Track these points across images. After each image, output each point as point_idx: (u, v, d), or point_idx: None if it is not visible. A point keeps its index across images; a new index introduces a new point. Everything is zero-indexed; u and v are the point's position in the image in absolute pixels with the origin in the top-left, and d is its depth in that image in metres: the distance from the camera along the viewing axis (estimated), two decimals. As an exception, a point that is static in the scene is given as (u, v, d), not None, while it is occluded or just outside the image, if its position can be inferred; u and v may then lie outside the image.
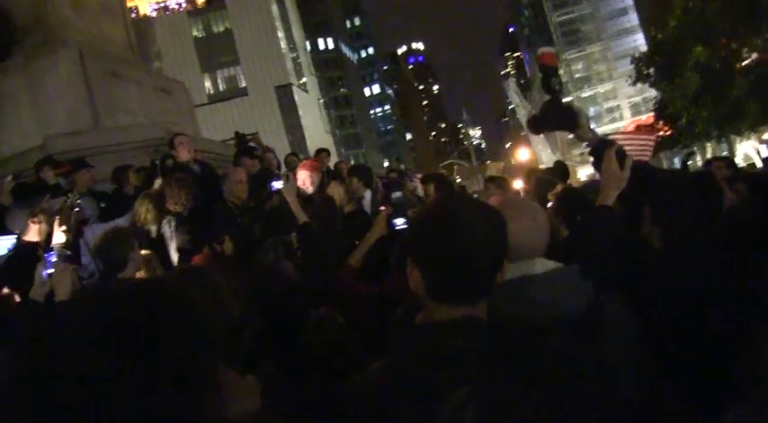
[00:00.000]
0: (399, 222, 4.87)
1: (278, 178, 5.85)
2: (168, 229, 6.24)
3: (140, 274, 5.01)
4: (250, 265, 5.65)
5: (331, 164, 11.81)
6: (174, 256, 6.16)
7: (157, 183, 7.16)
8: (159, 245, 6.21)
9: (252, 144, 9.94)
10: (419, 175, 13.65)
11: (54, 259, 3.95)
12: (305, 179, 7.39)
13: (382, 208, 5.23)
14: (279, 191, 5.89)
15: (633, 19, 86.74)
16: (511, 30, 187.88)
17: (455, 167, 74.43)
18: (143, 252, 5.12)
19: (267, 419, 1.71)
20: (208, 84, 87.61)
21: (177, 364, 1.26)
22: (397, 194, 5.08)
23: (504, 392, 1.65)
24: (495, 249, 1.85)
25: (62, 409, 1.16)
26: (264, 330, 3.64)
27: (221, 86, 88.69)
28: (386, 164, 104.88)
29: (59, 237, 5.46)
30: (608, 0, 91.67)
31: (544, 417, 1.65)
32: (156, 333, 1.26)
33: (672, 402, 2.59)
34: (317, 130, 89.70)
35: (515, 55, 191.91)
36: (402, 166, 19.68)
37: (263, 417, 1.65)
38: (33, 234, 5.68)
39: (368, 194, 7.70)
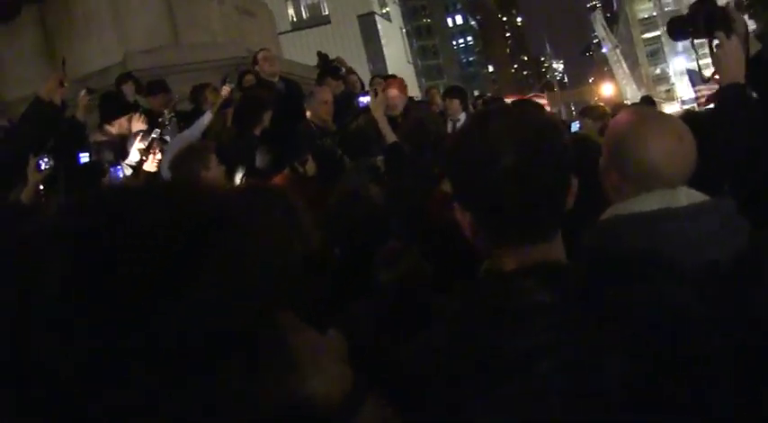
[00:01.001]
0: None
1: (365, 93, 5.32)
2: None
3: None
4: (333, 189, 5.30)
5: (411, 94, 11.31)
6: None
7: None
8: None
9: (336, 65, 9.48)
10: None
11: (121, 175, 3.60)
12: (395, 97, 6.89)
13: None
14: (366, 107, 5.36)
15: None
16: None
17: (545, 94, 72.67)
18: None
19: (364, 401, 1.08)
20: (291, 11, 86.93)
21: (216, 317, 0.75)
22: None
23: (599, 365, 1.17)
24: (553, 163, 1.38)
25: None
26: (344, 266, 3.25)
27: (304, 14, 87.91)
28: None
29: (134, 154, 5.21)
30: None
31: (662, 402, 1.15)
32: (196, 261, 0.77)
33: None
34: (398, 60, 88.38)
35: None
36: (488, 94, 19.03)
37: (357, 396, 1.08)
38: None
39: (463, 117, 7.20)
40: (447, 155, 1.50)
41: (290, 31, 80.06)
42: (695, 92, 21.15)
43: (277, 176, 5.27)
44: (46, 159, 4.34)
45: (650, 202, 1.84)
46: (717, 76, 2.71)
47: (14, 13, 10.94)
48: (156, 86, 7.92)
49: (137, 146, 5.29)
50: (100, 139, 6.33)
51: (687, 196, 1.88)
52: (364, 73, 64.44)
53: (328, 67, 8.75)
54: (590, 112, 7.33)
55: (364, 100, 5.35)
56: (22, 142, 4.46)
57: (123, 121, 6.51)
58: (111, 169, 3.56)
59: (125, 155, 5.26)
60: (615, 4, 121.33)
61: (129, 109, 6.65)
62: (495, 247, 1.43)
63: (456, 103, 7.38)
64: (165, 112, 6.09)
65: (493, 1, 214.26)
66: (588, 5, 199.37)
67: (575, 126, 6.83)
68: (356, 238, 3.46)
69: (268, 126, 6.01)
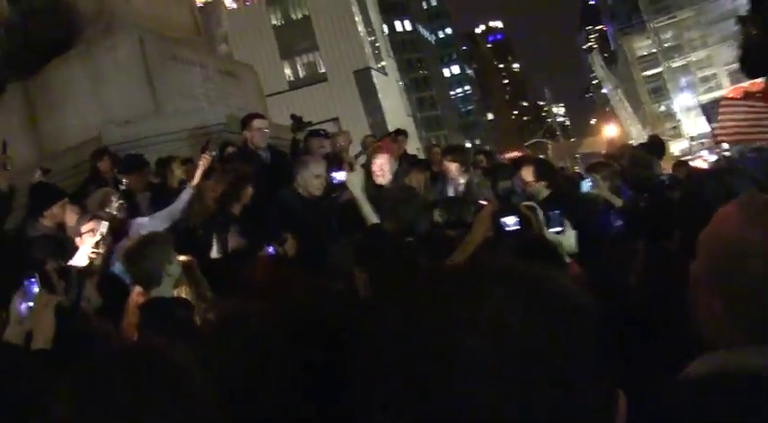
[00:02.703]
0: (510, 222, 3.75)
1: (339, 167, 4.67)
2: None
3: (179, 291, 4.15)
4: (317, 272, 4.75)
5: (411, 147, 10.79)
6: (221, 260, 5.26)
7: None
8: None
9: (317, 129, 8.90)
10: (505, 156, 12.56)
11: (36, 290, 3.03)
12: (382, 165, 6.37)
13: (484, 202, 4.15)
14: (341, 185, 4.71)
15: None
16: (591, 2, 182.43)
17: (549, 146, 72.37)
18: (182, 258, 4.23)
19: None
20: (288, 71, 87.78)
21: None
22: (506, 184, 4.01)
23: None
24: None
25: None
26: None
27: (301, 73, 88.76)
28: (468, 145, 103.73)
29: (81, 258, 4.67)
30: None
31: None
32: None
33: None
34: (397, 113, 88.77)
35: (597, 28, 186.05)
36: (487, 147, 18.55)
37: None
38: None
39: (463, 180, 6.68)
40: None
41: (288, 90, 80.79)
42: (712, 129, 20.95)
43: (254, 259, 4.73)
44: None
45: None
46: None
47: (1, 91, 10.82)
48: (132, 164, 7.45)
49: (85, 248, 4.76)
50: (32, 235, 5.57)
51: None
52: (363, 128, 65.21)
53: (301, 128, 8.23)
54: (600, 169, 6.86)
55: (339, 176, 4.68)
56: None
57: (55, 210, 5.80)
58: (25, 282, 2.97)
59: (62, 251, 4.72)
60: (612, 44, 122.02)
61: (58, 197, 5.96)
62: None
63: (455, 166, 6.90)
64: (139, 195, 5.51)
65: (488, 49, 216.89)
66: (585, 47, 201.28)
67: (586, 185, 6.28)
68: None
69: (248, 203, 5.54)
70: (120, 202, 5.55)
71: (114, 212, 5.39)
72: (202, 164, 6.17)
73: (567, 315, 0.85)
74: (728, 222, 1.47)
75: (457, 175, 7.11)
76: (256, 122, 7.54)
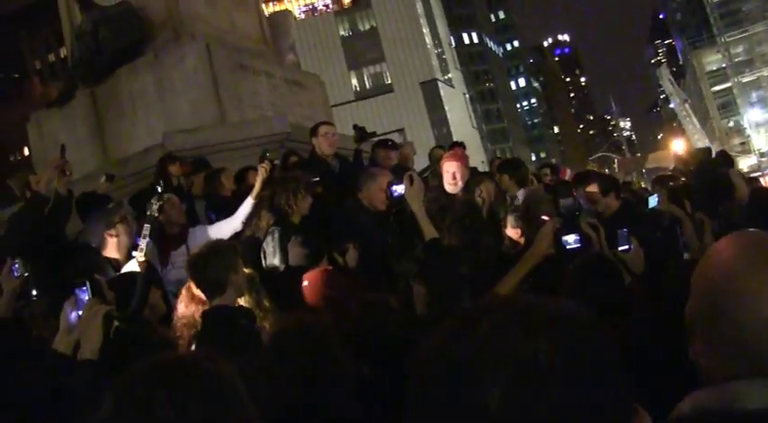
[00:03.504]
0: (571, 240, 3.63)
1: (399, 181, 4.40)
2: (271, 241, 5.18)
3: (243, 301, 4.03)
4: (377, 285, 4.58)
5: (476, 160, 10.55)
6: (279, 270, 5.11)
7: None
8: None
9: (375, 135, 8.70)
10: (568, 170, 12.15)
11: (86, 297, 2.91)
12: (455, 172, 6.07)
13: (545, 217, 3.94)
14: (401, 198, 4.43)
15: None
16: (661, 16, 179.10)
17: (615, 160, 70.93)
18: (247, 270, 4.12)
19: None
20: (354, 81, 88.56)
21: None
22: (568, 202, 3.80)
23: None
24: None
25: None
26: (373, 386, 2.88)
27: (367, 84, 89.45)
28: (533, 158, 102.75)
29: (132, 264, 4.60)
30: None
31: None
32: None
33: None
34: (463, 125, 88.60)
35: (666, 42, 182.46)
36: (553, 161, 18.12)
37: None
38: (112, 249, 4.84)
39: (521, 194, 6.41)
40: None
41: (354, 100, 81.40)
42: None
43: (313, 271, 4.56)
44: (17, 265, 3.74)
45: (757, 394, 1.27)
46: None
47: (70, 98, 11.14)
48: (199, 164, 7.56)
49: (138, 256, 4.70)
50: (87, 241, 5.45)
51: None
52: (429, 139, 65.45)
53: (364, 138, 8.06)
54: (667, 182, 6.54)
55: (398, 189, 4.41)
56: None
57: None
58: (76, 291, 2.86)
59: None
60: (681, 58, 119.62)
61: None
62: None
63: (506, 178, 6.71)
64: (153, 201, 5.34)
65: (555, 62, 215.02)
66: (653, 61, 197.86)
67: (653, 201, 6.00)
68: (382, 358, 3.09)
69: (308, 213, 5.39)
70: (160, 203, 5.38)
71: (155, 214, 5.24)
72: (260, 174, 6.01)
73: (586, 346, 0.93)
74: (719, 263, 1.42)
75: (511, 188, 6.88)
76: (323, 129, 7.44)
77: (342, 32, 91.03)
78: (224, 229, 5.82)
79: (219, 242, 4.51)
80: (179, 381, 1.57)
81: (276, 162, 6.49)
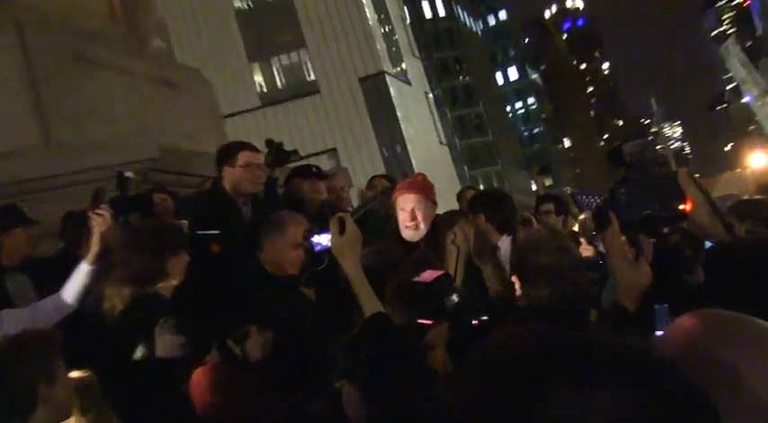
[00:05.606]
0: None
1: (320, 230, 4.39)
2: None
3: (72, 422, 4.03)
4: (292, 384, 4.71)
5: (447, 193, 10.76)
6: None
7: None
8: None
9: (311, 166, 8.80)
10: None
11: None
12: (413, 209, 6.15)
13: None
14: (325, 251, 4.43)
15: None
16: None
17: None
18: (76, 374, 4.15)
19: None
20: (258, 78, 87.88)
21: None
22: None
23: None
24: None
25: None
26: None
27: (279, 82, 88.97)
28: (534, 187, 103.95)
29: None
30: None
31: None
32: None
33: None
34: (426, 140, 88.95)
35: (734, 3, 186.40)
36: (568, 190, 18.43)
37: None
38: None
39: (505, 243, 6.63)
40: None
41: (259, 107, 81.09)
42: None
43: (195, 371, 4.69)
44: None
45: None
46: None
47: None
48: (8, 217, 7.46)
49: None
50: None
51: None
52: (375, 162, 65.76)
53: (279, 162, 8.06)
54: (745, 217, 6.82)
55: (322, 241, 4.41)
56: None
57: None
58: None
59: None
60: (760, 28, 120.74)
61: None
62: None
63: (481, 219, 6.97)
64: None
65: (563, 42, 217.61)
66: (714, 33, 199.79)
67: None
68: None
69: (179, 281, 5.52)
70: None
71: None
72: (96, 227, 5.97)
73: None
74: (690, 343, 1.80)
75: (493, 238, 6.97)
76: (244, 156, 7.24)
77: (237, 4, 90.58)
78: (45, 312, 5.80)
79: (24, 335, 4.23)
80: None
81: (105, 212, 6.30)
